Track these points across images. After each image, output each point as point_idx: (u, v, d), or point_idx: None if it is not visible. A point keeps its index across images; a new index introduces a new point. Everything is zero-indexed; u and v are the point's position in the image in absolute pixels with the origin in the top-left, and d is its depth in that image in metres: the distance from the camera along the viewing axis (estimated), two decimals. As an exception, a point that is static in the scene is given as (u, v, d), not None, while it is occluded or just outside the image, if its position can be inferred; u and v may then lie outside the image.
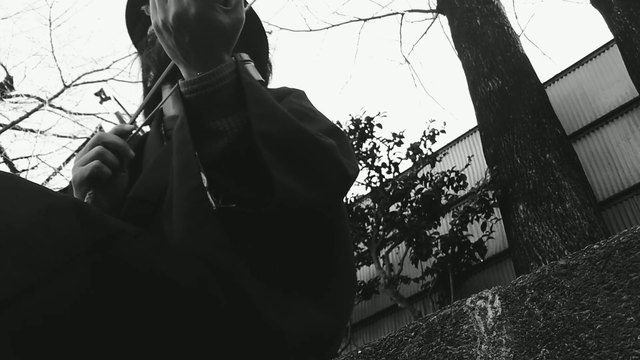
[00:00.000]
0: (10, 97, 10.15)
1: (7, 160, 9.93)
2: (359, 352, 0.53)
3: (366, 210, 5.80)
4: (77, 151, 10.18)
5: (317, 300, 0.77)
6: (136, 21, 1.10)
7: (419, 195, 5.61)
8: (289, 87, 1.03)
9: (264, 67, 1.12)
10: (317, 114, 0.93)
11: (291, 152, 0.72)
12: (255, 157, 0.69)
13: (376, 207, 5.69)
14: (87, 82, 10.85)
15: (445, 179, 5.63)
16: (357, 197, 6.35)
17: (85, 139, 10.36)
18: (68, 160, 10.05)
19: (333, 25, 9.89)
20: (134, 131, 0.89)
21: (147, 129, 1.10)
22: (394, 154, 6.12)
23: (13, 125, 9.91)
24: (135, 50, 1.15)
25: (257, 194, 0.72)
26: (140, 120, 1.00)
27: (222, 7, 0.69)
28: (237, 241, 0.70)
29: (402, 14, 9.33)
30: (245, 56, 0.78)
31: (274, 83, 1.13)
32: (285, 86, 1.04)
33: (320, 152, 0.75)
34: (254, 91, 0.72)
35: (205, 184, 0.69)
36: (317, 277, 0.80)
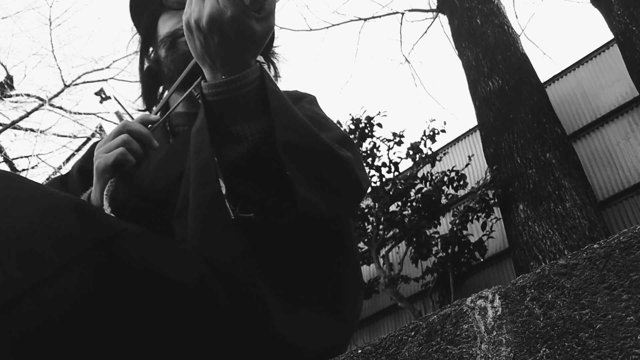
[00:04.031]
0: (10, 96, 10.15)
1: (7, 160, 9.92)
2: (359, 351, 0.53)
3: (366, 210, 5.80)
4: (77, 150, 10.17)
5: (330, 311, 0.78)
6: (144, 6, 1.06)
7: (419, 195, 5.61)
8: (300, 91, 1.03)
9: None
10: (329, 121, 0.93)
11: (312, 163, 0.73)
12: (274, 165, 0.69)
13: (376, 206, 5.69)
14: (87, 82, 10.84)
15: (446, 178, 5.63)
16: (357, 197, 6.34)
17: (85, 139, 10.36)
18: (68, 159, 10.04)
19: (333, 25, 9.90)
20: (158, 122, 0.87)
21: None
22: (394, 153, 6.12)
23: (13, 125, 9.91)
24: (135, 37, 1.10)
25: (275, 202, 0.72)
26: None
27: (256, 15, 0.69)
28: (254, 251, 0.70)
29: (402, 14, 9.34)
30: (260, 59, 0.78)
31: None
32: (297, 90, 1.03)
33: (338, 165, 0.76)
34: (278, 99, 0.72)
35: (223, 191, 0.69)
36: (330, 287, 0.81)
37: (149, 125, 0.87)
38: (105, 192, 0.80)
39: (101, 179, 0.82)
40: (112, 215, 0.77)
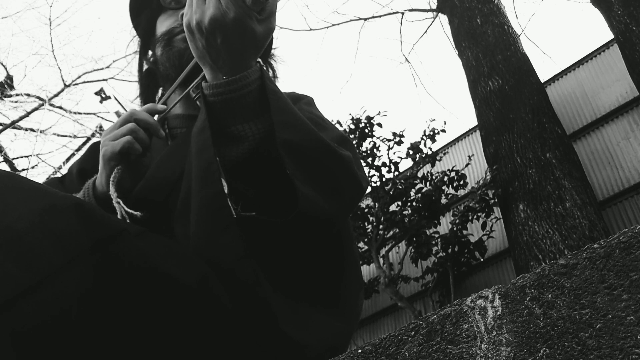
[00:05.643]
0: (10, 96, 10.15)
1: (7, 160, 9.92)
2: (359, 351, 0.53)
3: (366, 210, 5.80)
4: (77, 150, 10.17)
5: (330, 310, 0.78)
6: (144, 6, 1.06)
7: (419, 195, 5.62)
8: (297, 92, 1.03)
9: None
10: (327, 122, 0.94)
11: (312, 162, 0.73)
12: (275, 165, 0.70)
13: (376, 206, 5.69)
14: (87, 82, 10.83)
15: (446, 178, 5.64)
16: (357, 197, 6.35)
17: (85, 139, 10.35)
18: (68, 159, 10.04)
19: (333, 25, 9.90)
20: (165, 112, 0.89)
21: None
22: (394, 153, 6.13)
23: (13, 125, 9.90)
24: (136, 36, 1.11)
25: (276, 201, 0.72)
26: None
27: (257, 16, 0.70)
28: (256, 250, 0.70)
29: (402, 13, 9.34)
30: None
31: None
32: (294, 92, 1.04)
33: (338, 164, 0.77)
34: (278, 99, 0.72)
35: (225, 191, 0.69)
36: (330, 286, 0.81)
37: (156, 115, 0.88)
38: (112, 179, 0.82)
39: (107, 165, 0.83)
40: (119, 201, 0.79)
